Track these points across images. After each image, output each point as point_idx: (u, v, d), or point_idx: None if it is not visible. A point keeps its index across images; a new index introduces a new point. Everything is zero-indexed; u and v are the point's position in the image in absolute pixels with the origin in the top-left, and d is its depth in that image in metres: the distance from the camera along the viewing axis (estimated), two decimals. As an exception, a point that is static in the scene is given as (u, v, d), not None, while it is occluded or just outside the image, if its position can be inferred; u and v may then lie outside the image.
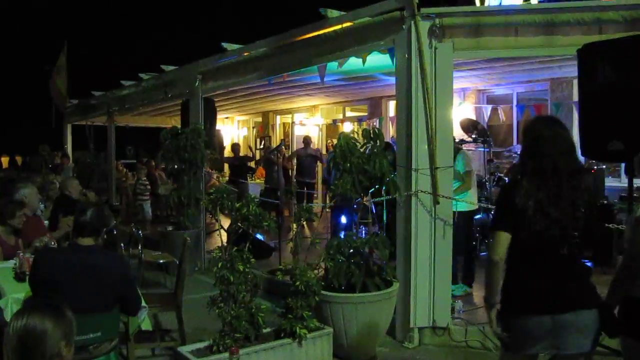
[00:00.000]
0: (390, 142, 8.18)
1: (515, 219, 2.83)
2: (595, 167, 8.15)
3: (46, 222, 6.70)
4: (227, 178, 14.44)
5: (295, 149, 13.72)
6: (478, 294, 6.38)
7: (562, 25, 5.31)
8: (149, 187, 12.36)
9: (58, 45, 15.71)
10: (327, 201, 6.79)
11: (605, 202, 7.66)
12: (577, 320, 2.80)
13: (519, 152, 9.05)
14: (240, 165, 13.12)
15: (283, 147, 12.52)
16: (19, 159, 23.11)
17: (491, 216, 8.34)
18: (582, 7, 5.29)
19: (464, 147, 7.37)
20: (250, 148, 15.83)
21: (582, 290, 2.86)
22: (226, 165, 15.42)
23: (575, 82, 9.25)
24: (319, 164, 13.16)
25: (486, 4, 10.49)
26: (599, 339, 2.91)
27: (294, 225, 5.27)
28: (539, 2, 9.08)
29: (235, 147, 13.90)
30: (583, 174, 2.98)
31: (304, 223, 5.44)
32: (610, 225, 5.40)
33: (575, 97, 9.29)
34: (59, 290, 3.44)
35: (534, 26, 5.37)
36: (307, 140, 12.66)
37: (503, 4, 9.68)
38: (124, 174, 15.06)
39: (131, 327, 4.30)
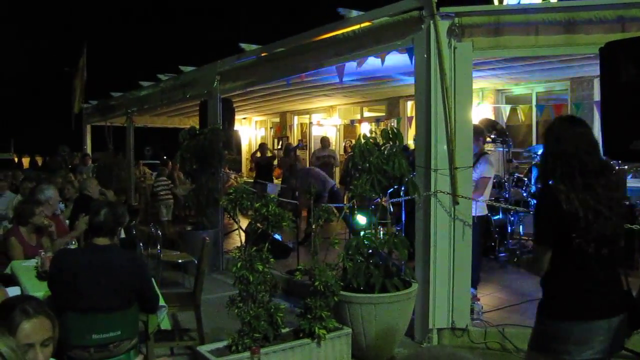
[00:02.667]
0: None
1: (567, 226, 2.70)
2: (617, 167, 8.04)
3: (66, 222, 6.78)
4: (244, 179, 14.51)
5: (312, 151, 13.75)
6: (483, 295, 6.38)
7: (584, 24, 5.23)
8: (168, 186, 12.41)
9: (78, 46, 15.90)
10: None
11: (627, 202, 7.55)
12: (623, 322, 2.77)
13: (539, 153, 9.07)
14: (266, 165, 13.23)
15: (302, 147, 12.58)
16: (39, 160, 23.46)
17: (511, 217, 8.44)
18: (604, 4, 5.19)
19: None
20: (274, 151, 15.94)
21: (625, 292, 2.85)
22: (244, 164, 15.49)
23: (596, 81, 9.22)
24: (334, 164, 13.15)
25: (505, 2, 10.40)
26: None
27: (313, 226, 5.25)
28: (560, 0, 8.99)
29: (263, 146, 13.98)
30: (611, 172, 2.89)
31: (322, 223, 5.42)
32: (633, 226, 5.30)
33: (596, 97, 9.21)
34: (77, 289, 3.48)
35: (554, 25, 5.29)
36: (324, 142, 12.69)
37: (522, 2, 9.58)
38: (143, 173, 15.14)
39: (150, 326, 4.32)
